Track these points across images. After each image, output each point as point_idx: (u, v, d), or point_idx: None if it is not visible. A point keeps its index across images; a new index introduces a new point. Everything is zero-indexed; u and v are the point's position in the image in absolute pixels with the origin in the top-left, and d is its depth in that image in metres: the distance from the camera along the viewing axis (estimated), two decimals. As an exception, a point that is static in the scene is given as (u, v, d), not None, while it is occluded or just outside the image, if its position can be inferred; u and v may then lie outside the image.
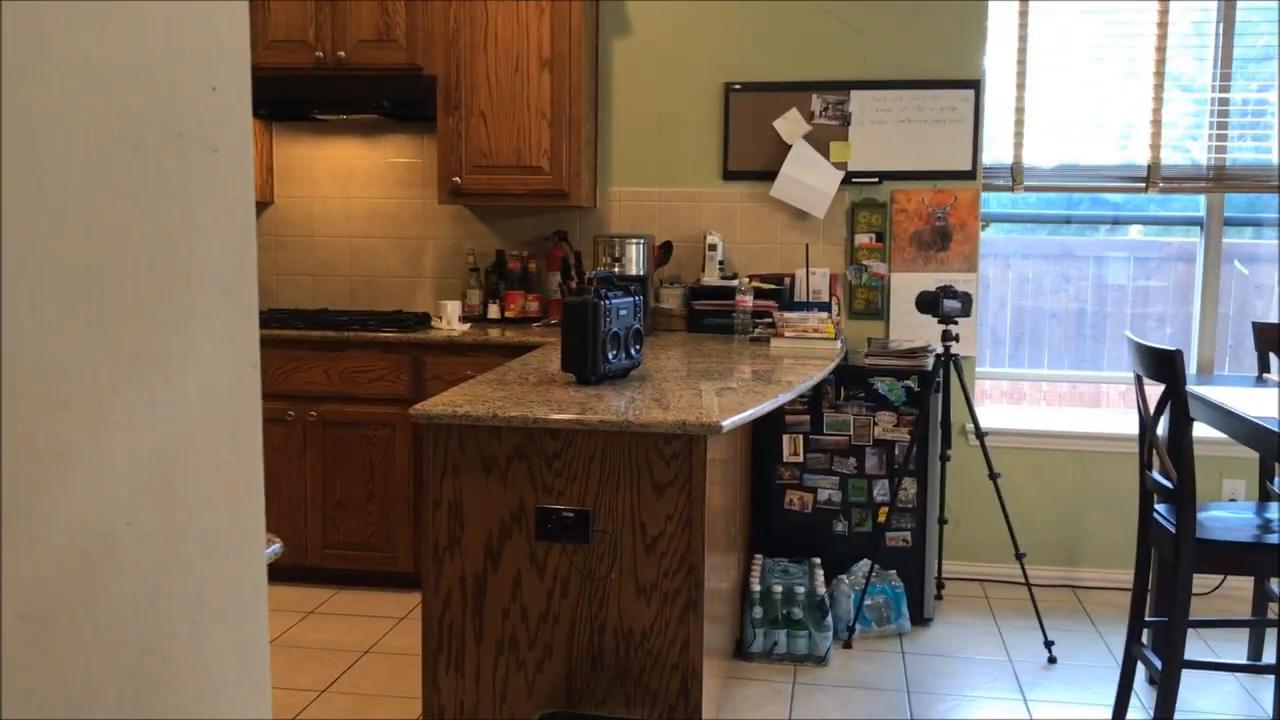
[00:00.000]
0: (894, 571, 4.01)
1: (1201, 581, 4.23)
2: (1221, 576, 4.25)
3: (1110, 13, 4.45)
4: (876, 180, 4.46)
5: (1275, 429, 2.81)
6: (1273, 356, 3.75)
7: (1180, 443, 2.93)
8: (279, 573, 4.19)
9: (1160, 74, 4.41)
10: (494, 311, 4.61)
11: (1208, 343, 4.54)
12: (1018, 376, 4.78)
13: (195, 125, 0.84)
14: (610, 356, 2.92)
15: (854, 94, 4.44)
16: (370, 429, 4.26)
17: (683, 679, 2.60)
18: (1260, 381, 3.60)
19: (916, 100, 4.40)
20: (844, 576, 3.97)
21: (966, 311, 3.96)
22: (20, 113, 0.66)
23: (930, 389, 3.99)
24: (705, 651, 2.65)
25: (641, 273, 4.31)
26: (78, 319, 0.72)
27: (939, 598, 4.26)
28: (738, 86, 4.53)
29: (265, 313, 4.47)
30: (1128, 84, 4.47)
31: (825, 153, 4.45)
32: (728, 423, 2.50)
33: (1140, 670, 3.52)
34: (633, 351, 3.04)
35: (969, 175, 4.41)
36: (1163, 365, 2.91)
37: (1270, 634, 3.65)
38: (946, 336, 3.90)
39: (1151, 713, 3.21)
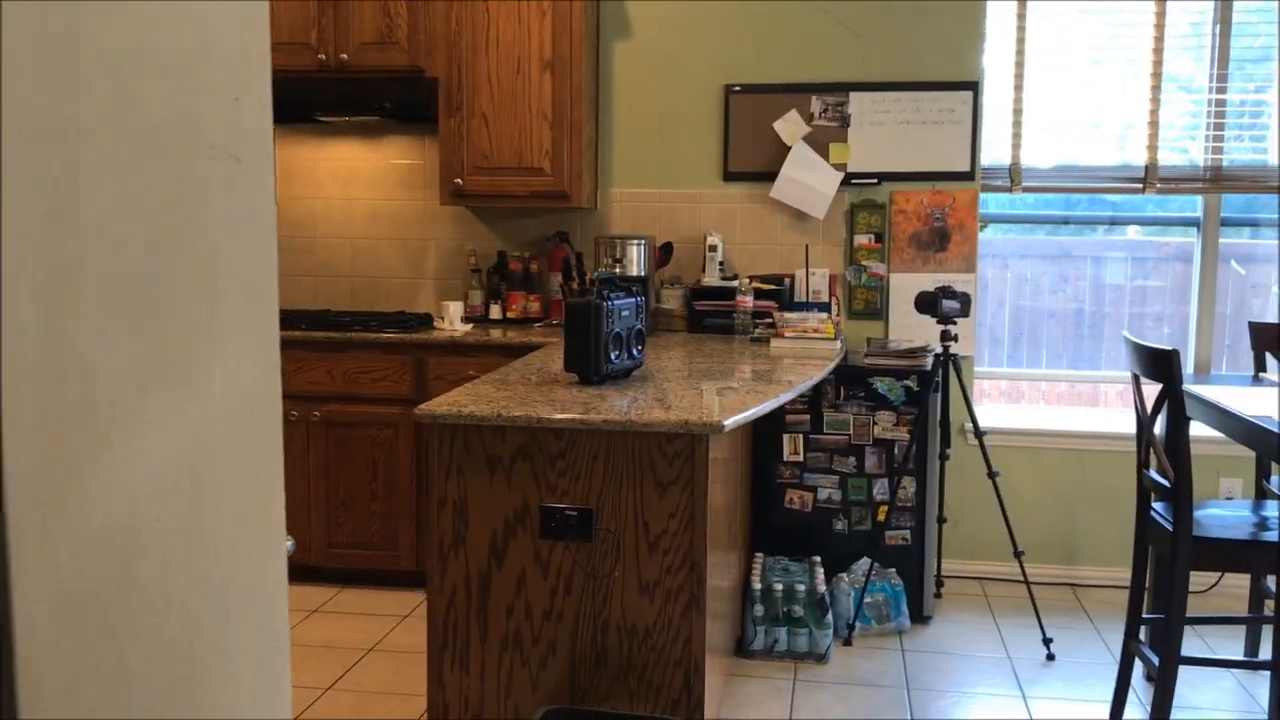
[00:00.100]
0: (893, 570, 4.04)
1: (1198, 579, 4.26)
2: (1218, 574, 4.28)
3: (1108, 13, 4.48)
4: (875, 181, 4.49)
5: (1272, 428, 2.84)
6: (1269, 356, 3.78)
7: (1177, 442, 2.96)
8: (283, 572, 4.21)
9: (1158, 75, 4.44)
10: (495, 312, 4.64)
11: (1205, 342, 4.57)
12: (1016, 376, 4.81)
13: (220, 136, 0.87)
14: (613, 357, 2.95)
15: (853, 95, 4.47)
16: (373, 429, 4.29)
17: (685, 675, 2.63)
18: (1257, 381, 3.63)
19: (915, 102, 4.43)
20: (844, 575, 4.00)
21: (965, 311, 3.99)
22: (62, 127, 0.69)
23: (929, 388, 4.02)
24: (707, 648, 2.68)
25: (642, 273, 4.34)
26: (115, 323, 0.75)
27: (938, 596, 4.29)
28: (737, 88, 4.56)
29: (268, 313, 4.49)
30: (1125, 85, 4.50)
31: (824, 154, 4.49)
32: (729, 422, 2.53)
33: (1138, 667, 3.55)
34: (635, 352, 3.07)
35: (967, 176, 4.44)
36: (1160, 365, 2.94)
37: (1266, 630, 3.68)
38: (945, 336, 3.93)
39: (1149, 709, 3.24)
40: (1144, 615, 3.30)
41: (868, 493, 4.11)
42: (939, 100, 4.42)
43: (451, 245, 4.81)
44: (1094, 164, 4.55)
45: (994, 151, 4.56)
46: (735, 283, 4.38)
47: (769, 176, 4.51)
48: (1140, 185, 4.50)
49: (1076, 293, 4.72)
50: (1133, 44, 4.49)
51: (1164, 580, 3.13)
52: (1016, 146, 4.54)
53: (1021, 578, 4.05)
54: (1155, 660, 3.02)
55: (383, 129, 4.79)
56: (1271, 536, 2.98)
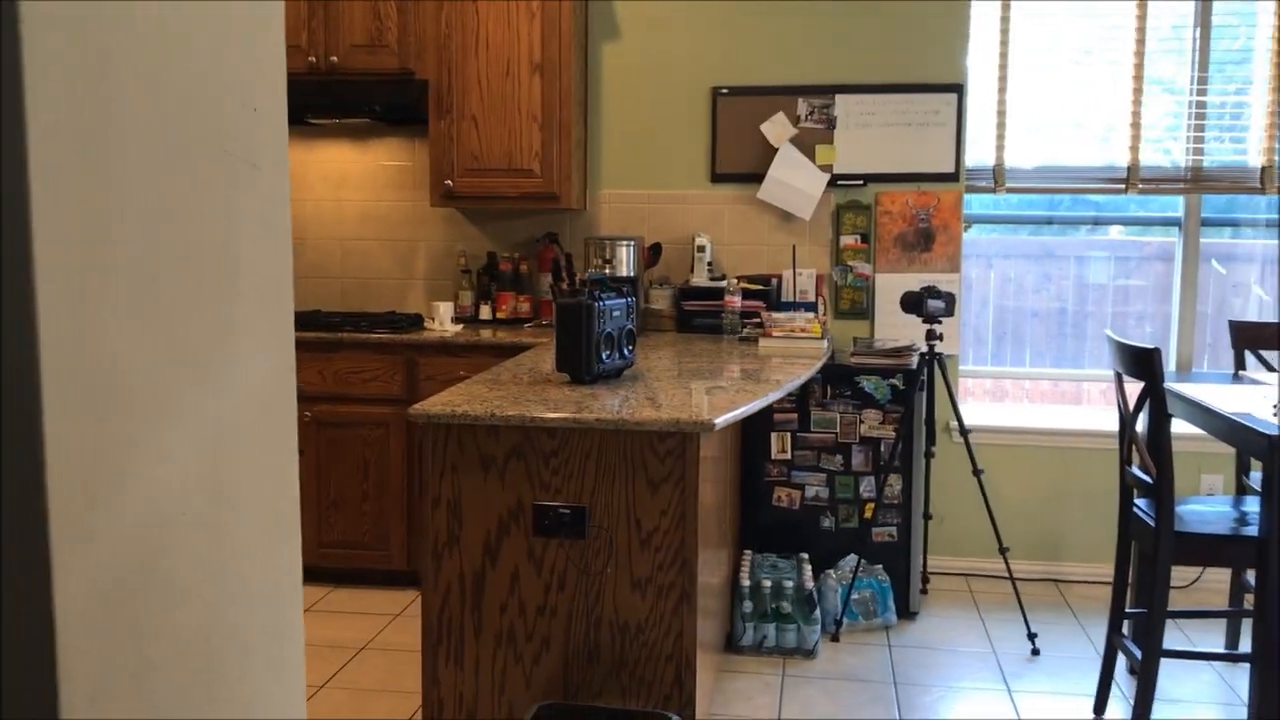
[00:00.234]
0: (880, 566, 4.09)
1: (1180, 574, 4.33)
2: (1200, 569, 4.35)
3: (1090, 15, 4.53)
4: (861, 183, 4.54)
5: (1252, 425, 2.89)
6: (1249, 354, 3.84)
7: (1159, 439, 3.01)
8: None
9: (1139, 76, 4.50)
10: (485, 313, 4.67)
11: (1186, 341, 4.63)
12: (1000, 375, 4.86)
13: (240, 144, 0.91)
14: (604, 356, 2.99)
15: (839, 98, 4.52)
16: (364, 429, 4.31)
17: (677, 670, 2.67)
18: (1237, 379, 3.69)
19: (900, 104, 4.48)
20: (831, 571, 4.05)
21: (950, 311, 4.04)
22: (93, 133, 0.73)
23: (915, 387, 4.07)
24: (698, 644, 2.72)
25: (632, 274, 4.38)
26: (142, 324, 0.78)
27: (924, 592, 4.34)
28: (725, 90, 4.60)
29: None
30: (1108, 86, 4.56)
31: (811, 156, 4.53)
32: (720, 420, 2.57)
33: (1121, 660, 3.60)
34: (626, 352, 3.11)
35: (952, 177, 4.50)
36: (1142, 363, 2.99)
37: (1246, 624, 3.73)
38: (930, 336, 3.98)
39: (1132, 701, 3.30)
40: (1127, 610, 3.35)
41: (855, 490, 4.15)
42: (924, 102, 4.47)
43: (441, 246, 4.84)
44: (1077, 165, 4.60)
45: (978, 153, 4.61)
46: (723, 283, 4.43)
47: (756, 178, 4.55)
48: (1122, 186, 4.56)
49: (1060, 292, 4.78)
50: (1115, 46, 4.54)
51: (1146, 575, 3.18)
52: (1000, 148, 4.59)
53: (1006, 574, 4.10)
54: (1138, 654, 3.07)
55: (373, 131, 4.81)
56: (1251, 531, 3.03)
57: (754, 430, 4.16)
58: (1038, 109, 4.61)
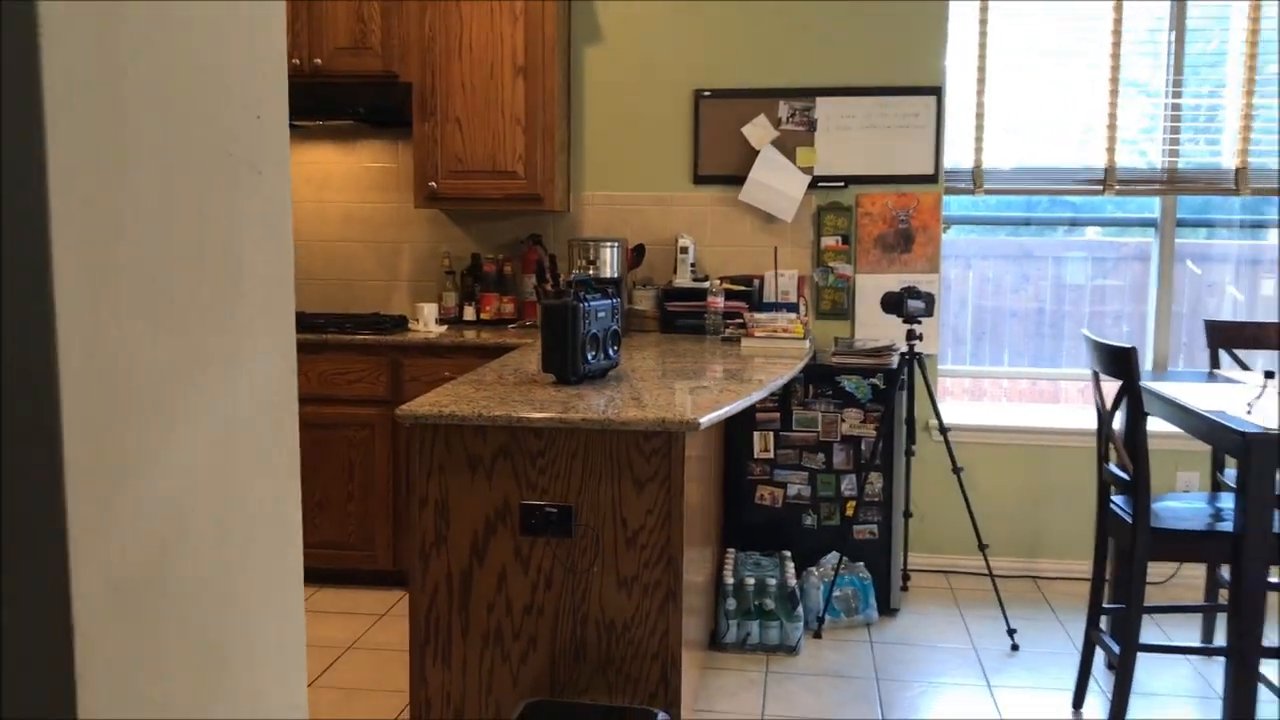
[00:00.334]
0: (862, 563, 4.13)
1: (1157, 570, 4.39)
2: (1176, 564, 4.41)
3: (1067, 17, 4.59)
4: (842, 184, 4.58)
5: (1226, 423, 2.94)
6: (1224, 353, 3.90)
7: (1136, 436, 3.05)
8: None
9: (1115, 79, 4.55)
10: (470, 314, 4.69)
11: (1162, 340, 4.69)
12: (979, 374, 4.91)
13: (242, 147, 0.93)
14: (589, 357, 3.01)
15: (820, 101, 4.56)
16: (349, 430, 4.33)
17: (663, 667, 2.70)
18: (1212, 377, 3.74)
19: (880, 106, 4.53)
20: (814, 569, 4.09)
21: (929, 311, 4.09)
22: (107, 138, 0.75)
23: (895, 386, 4.11)
24: (684, 641, 2.74)
25: (615, 275, 4.40)
26: (153, 326, 0.80)
27: (905, 589, 4.39)
28: (707, 93, 4.63)
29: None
30: (1085, 88, 4.62)
31: (792, 158, 4.57)
32: (704, 420, 2.60)
33: (1099, 655, 3.66)
34: (610, 352, 3.14)
35: (931, 179, 4.54)
36: (1119, 362, 3.04)
37: (1221, 618, 3.79)
38: (910, 336, 4.02)
39: (1110, 695, 3.34)
40: (1104, 605, 3.40)
41: (836, 488, 4.19)
42: (903, 105, 4.52)
43: (425, 248, 4.85)
44: (1054, 166, 4.66)
45: (957, 154, 4.66)
46: (706, 284, 4.46)
47: (738, 180, 4.59)
48: (1100, 187, 4.61)
49: (1038, 292, 4.83)
50: (1092, 48, 4.60)
51: (1124, 571, 3.23)
52: (979, 150, 4.64)
53: (986, 570, 4.15)
54: (1116, 648, 3.12)
55: (356, 133, 4.82)
56: (1226, 527, 3.08)
57: (737, 429, 4.20)
58: (1016, 111, 4.67)
